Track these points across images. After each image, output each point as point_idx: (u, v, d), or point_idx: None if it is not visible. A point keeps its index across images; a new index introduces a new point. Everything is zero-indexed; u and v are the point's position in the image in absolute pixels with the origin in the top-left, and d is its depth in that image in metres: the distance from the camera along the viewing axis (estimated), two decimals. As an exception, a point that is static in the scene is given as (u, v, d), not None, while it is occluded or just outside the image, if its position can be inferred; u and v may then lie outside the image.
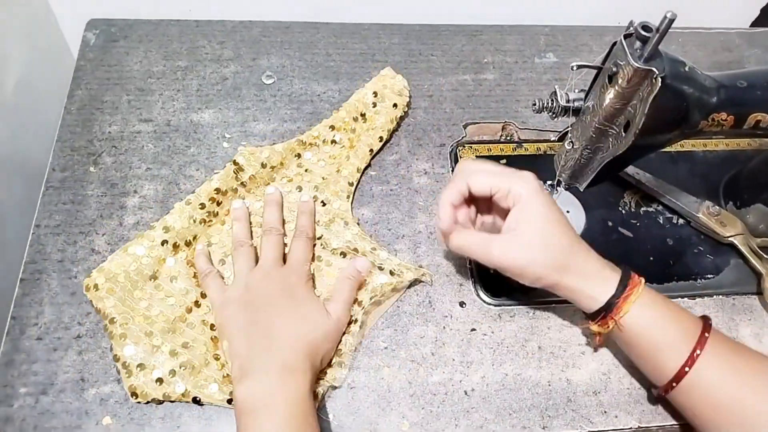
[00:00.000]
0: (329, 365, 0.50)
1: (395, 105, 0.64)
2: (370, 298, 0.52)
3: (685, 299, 0.57)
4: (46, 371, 0.48)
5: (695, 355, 0.44)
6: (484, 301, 0.55)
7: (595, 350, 0.53)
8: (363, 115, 0.63)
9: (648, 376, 0.49)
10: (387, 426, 0.48)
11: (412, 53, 0.72)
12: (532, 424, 0.49)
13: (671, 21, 0.40)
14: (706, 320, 0.47)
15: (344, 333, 0.51)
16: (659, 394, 0.47)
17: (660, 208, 0.62)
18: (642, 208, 0.62)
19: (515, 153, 0.64)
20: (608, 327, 0.47)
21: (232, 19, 0.72)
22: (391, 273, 0.53)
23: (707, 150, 0.67)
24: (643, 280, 0.47)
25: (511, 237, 0.47)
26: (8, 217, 0.65)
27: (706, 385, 0.44)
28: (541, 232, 0.46)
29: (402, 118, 0.65)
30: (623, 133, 0.47)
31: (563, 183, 0.55)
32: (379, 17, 0.74)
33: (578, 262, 0.47)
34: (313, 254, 0.55)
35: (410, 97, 0.66)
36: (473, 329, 0.53)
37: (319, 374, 0.48)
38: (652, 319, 0.46)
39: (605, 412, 0.50)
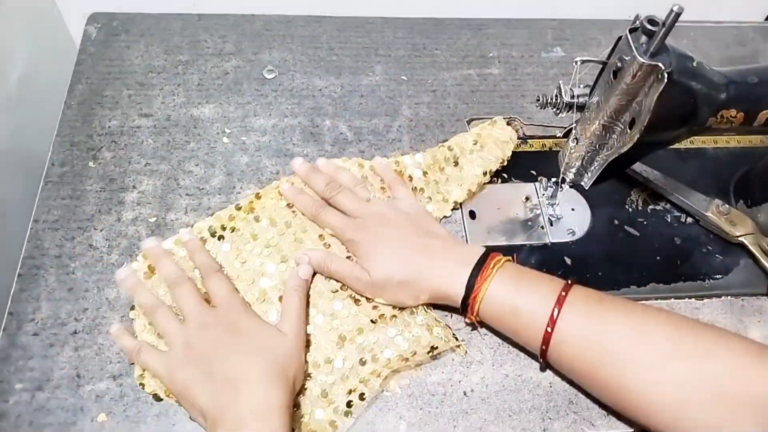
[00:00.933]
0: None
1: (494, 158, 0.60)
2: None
3: (693, 300, 0.56)
4: (42, 367, 0.48)
5: (554, 315, 0.45)
6: (486, 301, 0.54)
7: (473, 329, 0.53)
8: (456, 162, 0.60)
9: (526, 347, 0.50)
10: (384, 427, 0.48)
11: (416, 47, 0.71)
12: (533, 426, 0.49)
13: (678, 15, 0.39)
14: (567, 281, 0.47)
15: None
16: (541, 362, 0.48)
17: (668, 206, 0.61)
18: (649, 207, 0.61)
19: (520, 149, 0.63)
20: (474, 311, 0.48)
21: (234, 12, 0.71)
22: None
23: (718, 147, 0.65)
24: (497, 266, 0.48)
25: (365, 274, 0.50)
26: (7, 212, 0.65)
27: (572, 341, 0.45)
28: (379, 272, 0.49)
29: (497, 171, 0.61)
30: (628, 130, 0.46)
31: (567, 181, 0.54)
32: (383, 11, 0.73)
33: (424, 277, 0.49)
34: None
35: (518, 143, 0.63)
36: (474, 329, 0.52)
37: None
38: (511, 292, 0.47)
39: (607, 414, 0.49)
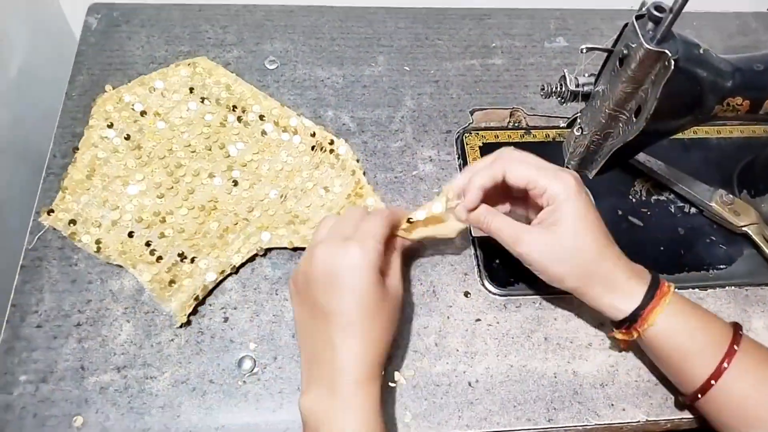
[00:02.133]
0: None
1: None
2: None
3: (696, 290, 0.56)
4: (46, 359, 0.48)
5: (722, 367, 0.43)
6: (490, 291, 0.54)
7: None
8: None
9: (674, 383, 0.48)
10: (390, 417, 0.48)
11: (419, 37, 0.70)
12: (538, 417, 0.49)
13: (685, 0, 0.38)
14: (736, 329, 0.45)
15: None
16: (685, 402, 0.47)
17: (672, 196, 0.61)
18: (653, 197, 0.60)
19: (523, 140, 0.63)
20: (632, 336, 0.46)
21: (235, 3, 0.71)
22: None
23: (721, 137, 0.65)
24: (672, 288, 0.45)
25: (541, 232, 0.46)
26: (9, 203, 0.65)
27: (734, 398, 0.43)
28: (573, 234, 0.45)
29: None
30: (634, 119, 0.46)
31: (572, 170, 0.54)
32: (385, 1, 0.73)
33: (605, 271, 0.45)
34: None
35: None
36: (478, 319, 0.52)
37: None
38: (679, 329, 0.44)
39: (612, 405, 0.49)
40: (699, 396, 0.44)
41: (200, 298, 0.51)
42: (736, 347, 0.43)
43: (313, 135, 0.60)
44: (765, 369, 0.44)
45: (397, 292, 0.46)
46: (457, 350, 0.51)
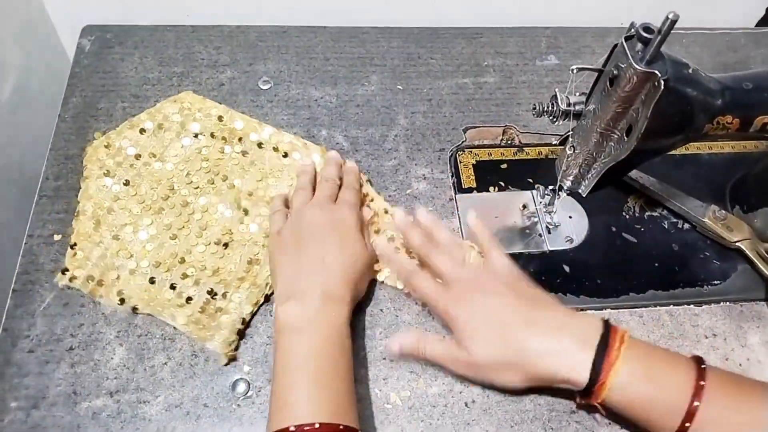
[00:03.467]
0: None
1: None
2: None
3: (692, 306, 0.56)
4: (37, 384, 0.47)
5: (694, 407, 0.41)
6: (485, 310, 0.54)
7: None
8: None
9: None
10: (385, 439, 0.47)
11: (411, 57, 0.71)
12: (535, 437, 0.48)
13: (673, 22, 0.39)
14: (698, 364, 0.44)
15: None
16: None
17: (665, 212, 0.61)
18: (646, 213, 0.61)
19: (516, 157, 0.63)
20: (598, 396, 0.44)
21: (228, 24, 0.71)
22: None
23: (713, 153, 0.66)
24: (623, 346, 0.43)
25: (465, 353, 0.46)
26: (1, 226, 0.65)
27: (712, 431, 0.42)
28: (483, 351, 0.45)
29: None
30: (625, 138, 0.46)
31: (565, 188, 0.54)
32: (377, 21, 0.74)
33: (535, 358, 0.45)
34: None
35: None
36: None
37: None
38: (636, 394, 0.43)
39: (609, 423, 0.49)
40: None
41: (242, 332, 0.51)
42: (702, 382, 0.42)
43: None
44: (736, 396, 0.43)
45: (370, 249, 0.53)
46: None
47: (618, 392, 0.43)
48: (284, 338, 0.45)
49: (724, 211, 0.58)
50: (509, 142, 0.65)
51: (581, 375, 0.43)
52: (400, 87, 0.68)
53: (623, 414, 0.45)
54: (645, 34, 0.41)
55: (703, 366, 0.43)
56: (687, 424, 0.42)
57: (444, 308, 0.48)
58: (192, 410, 0.47)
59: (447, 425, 0.48)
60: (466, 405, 0.49)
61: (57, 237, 0.54)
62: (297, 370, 0.43)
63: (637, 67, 0.41)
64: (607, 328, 0.45)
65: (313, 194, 0.55)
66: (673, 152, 0.62)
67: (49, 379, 0.48)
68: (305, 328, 0.45)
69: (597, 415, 0.48)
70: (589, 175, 0.51)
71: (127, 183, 0.57)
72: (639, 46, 0.42)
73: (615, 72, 0.43)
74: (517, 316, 0.46)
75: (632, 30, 0.42)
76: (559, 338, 0.44)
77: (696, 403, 0.42)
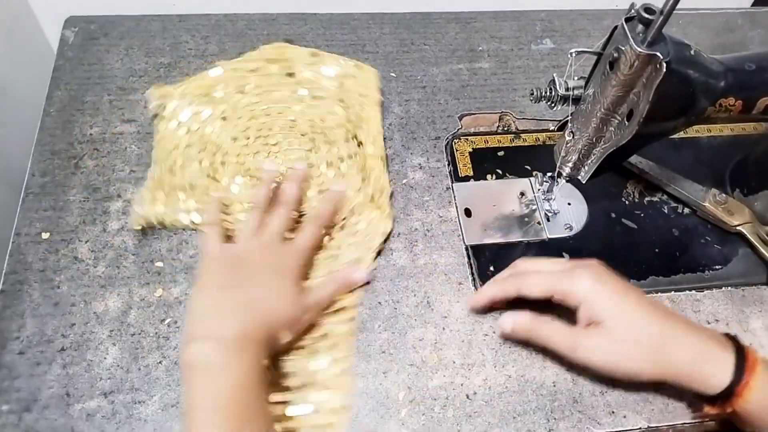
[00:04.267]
0: None
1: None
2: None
3: (693, 291, 0.55)
4: (29, 387, 0.46)
5: None
6: (485, 300, 0.53)
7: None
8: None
9: None
10: (386, 433, 0.47)
11: (404, 43, 0.69)
12: (538, 428, 0.48)
13: (676, 2, 0.38)
14: None
15: None
16: None
17: (664, 197, 0.60)
18: (646, 198, 0.60)
19: (513, 144, 0.62)
20: (726, 411, 0.43)
21: (216, 12, 0.69)
22: None
23: (712, 136, 0.65)
24: (758, 356, 0.43)
25: (591, 333, 0.44)
26: (-12, 224, 0.63)
27: None
28: (625, 325, 0.43)
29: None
30: (626, 122, 0.45)
31: (564, 175, 0.53)
32: (369, 6, 0.72)
33: (677, 347, 0.43)
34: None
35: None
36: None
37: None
38: None
39: (613, 412, 0.48)
40: None
41: None
42: None
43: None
44: None
45: (306, 306, 0.48)
46: (454, 362, 0.50)
47: (760, 395, 0.41)
48: (195, 378, 0.41)
49: (724, 195, 0.58)
50: (506, 128, 0.64)
51: (724, 374, 0.42)
52: (393, 74, 0.67)
53: (760, 422, 0.43)
54: (646, 15, 0.40)
55: None
56: None
57: (566, 285, 0.45)
58: (189, 409, 0.46)
59: (449, 418, 0.47)
60: (468, 397, 0.48)
61: (45, 235, 0.53)
62: (205, 411, 0.40)
63: (638, 49, 0.40)
64: (734, 336, 0.44)
65: (265, 213, 0.51)
66: (672, 136, 0.61)
67: (41, 381, 0.47)
68: (219, 367, 0.41)
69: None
70: (589, 160, 0.50)
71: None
72: (640, 27, 0.41)
73: (615, 55, 0.42)
74: (652, 302, 0.44)
75: (632, 11, 0.41)
76: (700, 336, 0.43)
77: None
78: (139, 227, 0.53)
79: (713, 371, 0.42)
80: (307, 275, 0.51)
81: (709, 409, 0.44)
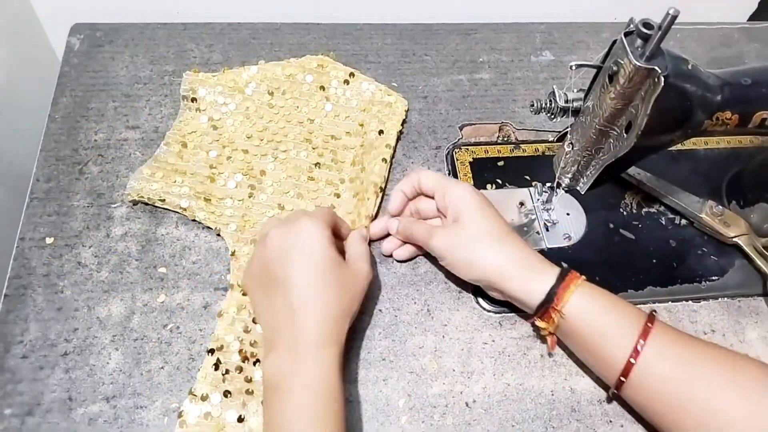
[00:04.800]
0: None
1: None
2: None
3: (690, 302, 0.56)
4: (31, 391, 0.47)
5: (639, 346, 0.43)
6: (484, 309, 0.53)
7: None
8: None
9: (598, 374, 0.48)
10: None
11: (406, 53, 0.70)
12: (536, 436, 0.48)
13: (674, 18, 0.38)
14: (651, 312, 0.46)
15: None
16: (613, 393, 0.46)
17: (662, 209, 0.61)
18: (644, 209, 0.61)
19: (513, 154, 0.63)
20: (552, 320, 0.46)
21: (220, 21, 0.70)
22: None
23: (708, 148, 0.66)
24: (583, 277, 0.47)
25: (448, 227, 0.50)
26: (-8, 229, 0.64)
27: (656, 379, 0.43)
28: (475, 224, 0.48)
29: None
30: (624, 135, 0.46)
31: (563, 185, 0.54)
32: (371, 17, 0.73)
33: (511, 253, 0.47)
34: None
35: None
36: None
37: None
38: (594, 309, 0.45)
39: (611, 421, 0.49)
40: (622, 380, 0.44)
41: None
42: (650, 325, 0.44)
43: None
44: (681, 348, 0.44)
45: (362, 271, 0.48)
46: (453, 370, 0.50)
47: (579, 300, 0.45)
48: (269, 398, 0.42)
49: (720, 207, 0.58)
50: (505, 139, 0.64)
51: (548, 278, 0.46)
52: (395, 84, 0.67)
53: (571, 340, 0.47)
54: (645, 30, 0.40)
55: (654, 313, 0.46)
56: (632, 361, 0.43)
57: (450, 188, 0.50)
58: (190, 415, 0.47)
59: (448, 426, 0.48)
60: (467, 405, 0.49)
61: (49, 240, 0.53)
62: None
63: (636, 63, 0.41)
64: (567, 267, 0.48)
65: None
66: (669, 148, 0.62)
67: (44, 385, 0.47)
68: (288, 386, 0.41)
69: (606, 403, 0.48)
70: (588, 172, 0.51)
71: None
72: (638, 41, 0.41)
73: (614, 68, 0.43)
74: (503, 227, 0.49)
75: (631, 26, 0.42)
76: (531, 254, 0.48)
77: (641, 342, 0.43)
78: (131, 200, 0.55)
79: (539, 276, 0.46)
80: (335, 235, 0.49)
81: (536, 321, 0.47)
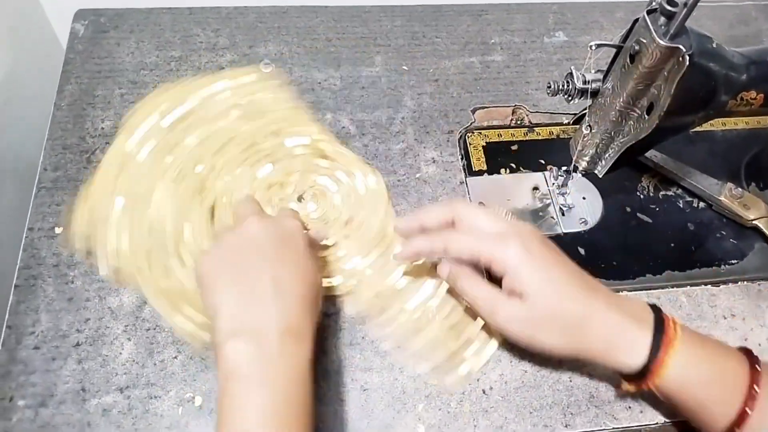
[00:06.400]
0: None
1: None
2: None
3: (709, 286, 0.55)
4: (44, 382, 0.46)
5: (746, 414, 0.40)
6: (500, 295, 0.53)
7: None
8: None
9: (699, 426, 0.44)
10: (402, 429, 0.46)
11: (416, 36, 0.69)
12: (554, 423, 0.47)
13: (701, -6, 0.37)
14: (752, 363, 0.41)
15: None
16: None
17: (680, 191, 0.60)
18: (661, 192, 0.59)
19: (527, 138, 0.62)
20: (644, 389, 0.43)
21: (226, 5, 0.69)
22: None
23: (727, 129, 0.64)
24: (678, 328, 0.42)
25: (514, 303, 0.42)
26: (0, 220, 0.63)
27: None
28: (545, 300, 0.41)
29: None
30: (646, 116, 0.44)
31: (580, 169, 0.53)
32: (380, -1, 0.71)
33: (597, 328, 0.42)
34: None
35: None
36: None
37: None
38: (692, 378, 0.41)
39: (629, 407, 0.48)
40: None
41: None
42: (756, 389, 0.40)
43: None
44: None
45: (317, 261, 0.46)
46: (470, 357, 0.50)
47: (675, 373, 0.41)
48: (233, 386, 0.38)
49: (740, 189, 0.57)
50: (519, 122, 0.63)
51: (639, 353, 0.41)
52: (405, 67, 0.66)
53: (676, 400, 0.42)
54: (669, 8, 0.39)
55: (757, 367, 0.41)
56: (735, 430, 0.40)
57: (490, 248, 0.42)
58: (205, 404, 0.46)
59: (465, 413, 0.47)
60: (484, 392, 0.48)
61: (58, 230, 0.53)
62: (251, 427, 0.37)
63: (660, 42, 0.40)
64: (658, 310, 0.43)
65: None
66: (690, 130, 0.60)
67: (57, 377, 0.46)
68: (258, 375, 0.38)
69: (619, 400, 0.48)
70: (606, 155, 0.50)
71: None
72: (662, 19, 0.40)
73: (636, 47, 0.42)
74: (580, 276, 0.43)
75: (654, 3, 0.41)
76: (618, 312, 0.42)
77: (748, 410, 0.40)
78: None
79: (628, 350, 0.41)
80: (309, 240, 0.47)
81: (626, 387, 0.44)
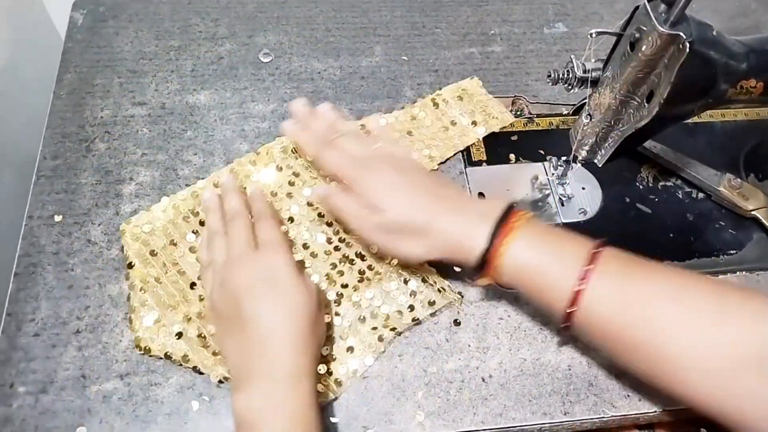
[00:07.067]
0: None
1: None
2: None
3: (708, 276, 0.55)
4: (45, 369, 0.46)
5: (587, 273, 0.41)
6: (499, 284, 0.53)
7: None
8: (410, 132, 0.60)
9: (550, 311, 0.44)
10: (402, 416, 0.47)
11: (416, 26, 0.69)
12: (553, 410, 0.48)
13: (701, -20, 0.37)
14: (597, 246, 0.42)
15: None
16: (562, 328, 0.44)
17: (679, 182, 0.60)
18: (660, 183, 0.60)
19: (527, 128, 0.62)
20: (493, 279, 0.44)
21: (225, -6, 0.69)
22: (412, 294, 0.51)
23: (726, 120, 0.64)
24: (523, 219, 0.43)
25: (377, 216, 0.46)
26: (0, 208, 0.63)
27: (605, 302, 0.41)
28: (397, 212, 0.45)
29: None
30: (646, 104, 0.45)
31: (580, 159, 0.53)
32: (380, -11, 0.71)
33: (441, 228, 0.45)
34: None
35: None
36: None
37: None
38: (533, 262, 0.43)
39: (628, 395, 0.48)
40: (570, 312, 0.42)
41: None
42: (597, 251, 0.41)
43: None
44: (629, 264, 0.42)
45: (314, 289, 0.45)
46: (469, 345, 0.50)
47: (511, 261, 0.42)
48: None
49: (739, 180, 0.57)
50: (519, 112, 0.63)
51: (479, 245, 0.43)
52: (405, 58, 0.66)
53: (516, 286, 0.44)
54: (669, -5, 0.39)
55: (601, 240, 0.43)
56: (580, 288, 0.41)
57: (356, 173, 0.47)
58: (205, 391, 0.46)
59: (464, 401, 0.47)
60: (483, 380, 0.48)
61: (58, 218, 0.53)
62: None
63: (661, 29, 0.40)
64: (510, 208, 0.44)
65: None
66: (686, 120, 0.60)
67: (57, 363, 0.47)
68: (264, 421, 0.39)
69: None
70: (606, 144, 0.50)
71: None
72: (662, 7, 0.40)
73: (636, 35, 0.42)
74: (429, 190, 0.46)
75: (655, -9, 0.41)
76: (463, 212, 0.45)
77: (590, 268, 0.41)
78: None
79: (469, 244, 0.44)
80: (296, 267, 0.46)
81: (479, 280, 0.45)
